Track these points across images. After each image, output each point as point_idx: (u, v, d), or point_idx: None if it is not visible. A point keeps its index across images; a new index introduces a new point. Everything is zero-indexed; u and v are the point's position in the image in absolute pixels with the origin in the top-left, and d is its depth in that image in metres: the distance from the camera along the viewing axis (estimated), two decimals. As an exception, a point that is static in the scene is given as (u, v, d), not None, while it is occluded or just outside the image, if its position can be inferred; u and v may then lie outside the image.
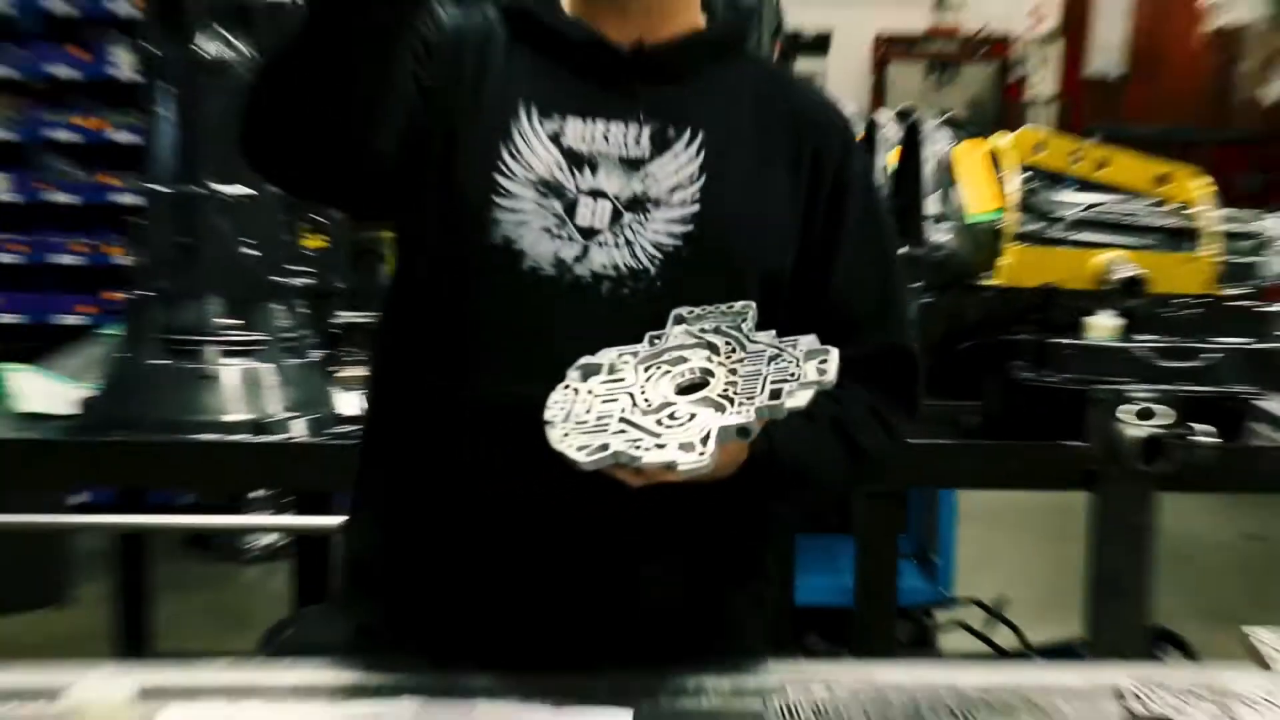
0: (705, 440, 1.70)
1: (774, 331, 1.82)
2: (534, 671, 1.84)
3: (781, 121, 1.98)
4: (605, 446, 1.70)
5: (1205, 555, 6.62)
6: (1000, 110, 13.04)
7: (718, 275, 1.89)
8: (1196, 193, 3.15)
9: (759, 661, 1.99)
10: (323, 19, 1.70)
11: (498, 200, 1.86)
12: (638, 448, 1.71)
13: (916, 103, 4.09)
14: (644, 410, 1.76)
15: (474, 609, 1.92)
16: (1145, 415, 2.91)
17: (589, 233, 1.87)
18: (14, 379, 3.32)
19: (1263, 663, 1.85)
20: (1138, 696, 1.74)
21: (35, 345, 4.11)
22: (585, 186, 1.88)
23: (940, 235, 3.12)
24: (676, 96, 1.93)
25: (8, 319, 6.33)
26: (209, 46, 3.08)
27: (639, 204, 1.88)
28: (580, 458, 1.70)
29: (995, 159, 3.16)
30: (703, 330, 1.84)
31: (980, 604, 4.79)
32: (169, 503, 4.66)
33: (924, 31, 13.75)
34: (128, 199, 6.03)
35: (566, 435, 1.73)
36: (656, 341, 1.84)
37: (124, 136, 6.14)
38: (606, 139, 1.90)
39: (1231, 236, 3.14)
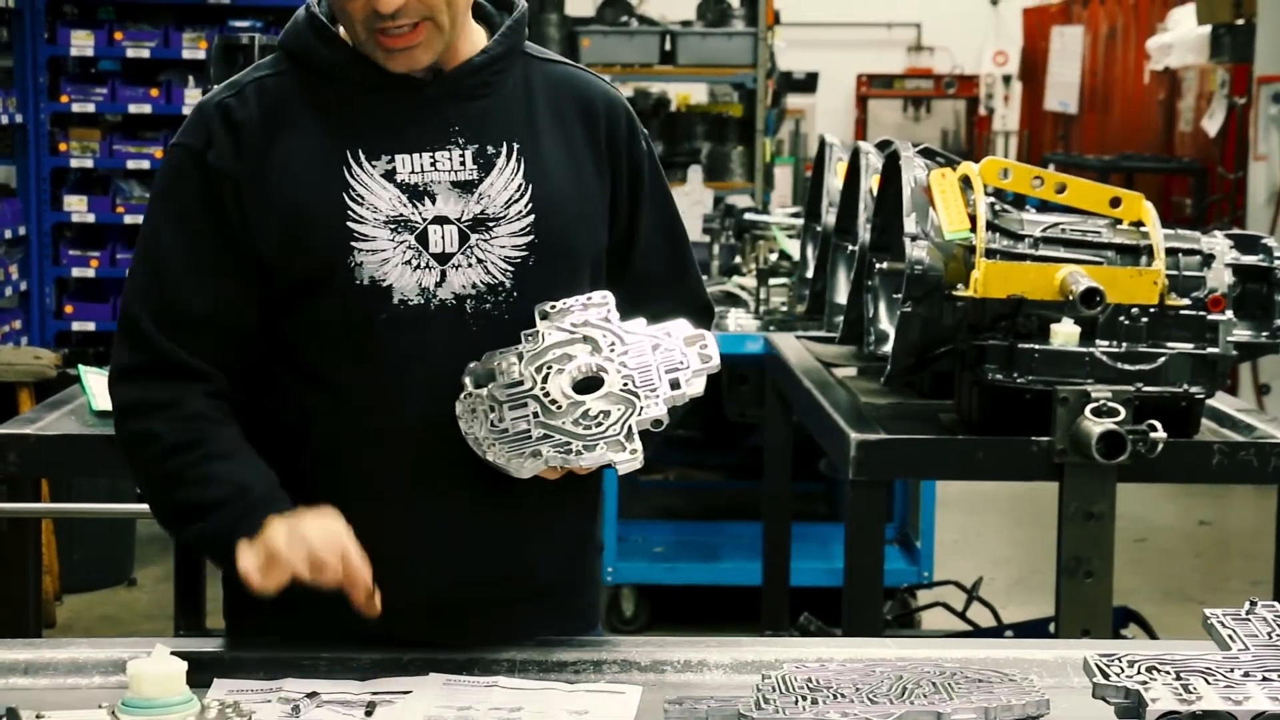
0: (629, 436, 1.81)
1: (643, 320, 1.92)
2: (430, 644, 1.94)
3: (575, 115, 2.05)
4: (538, 454, 1.81)
5: (1162, 540, 6.63)
6: (969, 141, 13.19)
7: (561, 271, 1.98)
8: (1145, 214, 3.16)
9: (596, 614, 2.20)
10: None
11: (356, 245, 1.92)
12: (568, 451, 1.81)
13: (895, 135, 4.14)
14: (555, 412, 1.84)
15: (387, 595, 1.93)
16: (1104, 413, 2.97)
17: (443, 258, 1.94)
18: (91, 380, 3.37)
19: (1222, 642, 1.83)
20: (1103, 670, 1.71)
21: (108, 350, 4.16)
22: (429, 215, 1.94)
23: (918, 252, 3.11)
24: (483, 112, 1.99)
25: (85, 326, 6.43)
26: None
27: (481, 223, 1.95)
28: (514, 468, 1.80)
29: (966, 184, 3.18)
30: (574, 325, 1.90)
31: (959, 585, 4.85)
32: None
33: (901, 71, 13.94)
34: None
35: (494, 446, 1.83)
36: (530, 339, 1.89)
37: None
38: (435, 167, 1.95)
39: (1176, 253, 3.15)
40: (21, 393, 5.36)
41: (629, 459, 1.81)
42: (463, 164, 1.96)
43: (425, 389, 1.93)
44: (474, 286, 1.94)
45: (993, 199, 3.18)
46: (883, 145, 3.61)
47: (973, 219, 3.12)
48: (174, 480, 1.92)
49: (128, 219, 6.44)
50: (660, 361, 1.88)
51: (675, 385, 1.85)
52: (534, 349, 1.89)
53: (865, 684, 1.75)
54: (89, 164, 6.49)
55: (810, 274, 4.26)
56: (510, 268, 1.96)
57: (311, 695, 1.79)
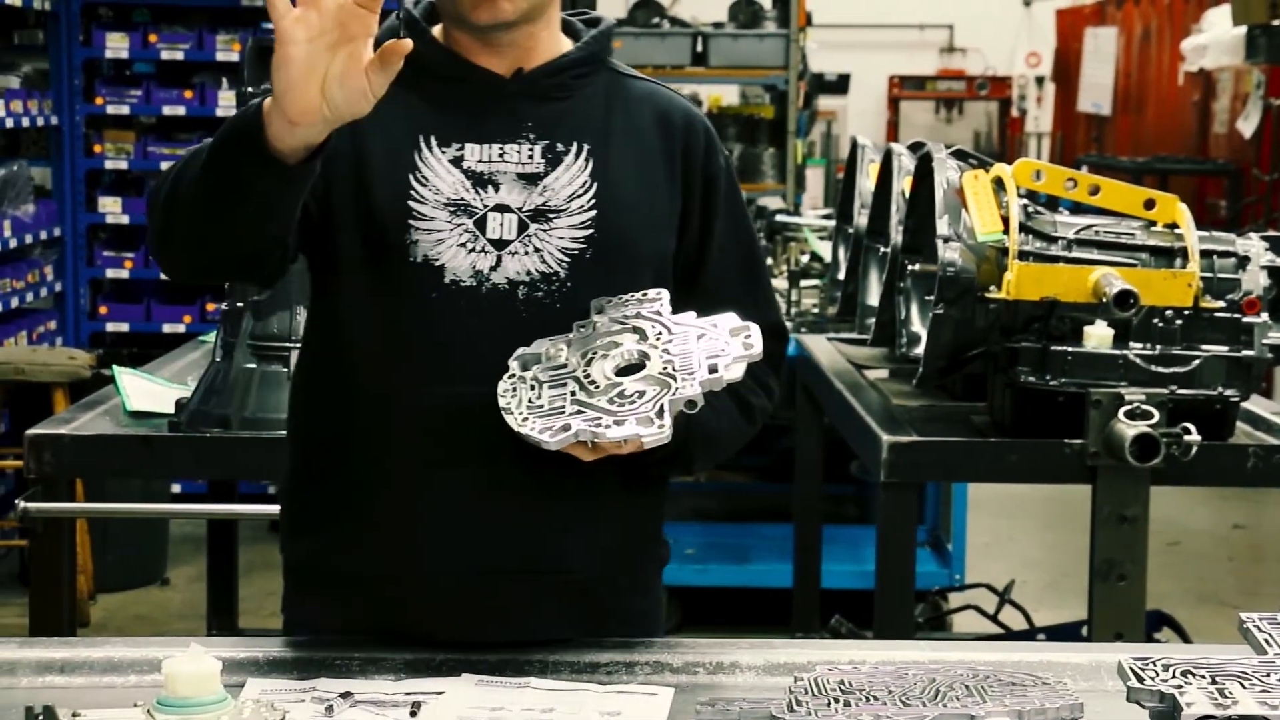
0: (660, 414, 1.81)
1: (693, 313, 1.93)
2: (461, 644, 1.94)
3: (651, 125, 2.07)
4: (567, 427, 1.81)
5: (1196, 543, 6.62)
6: (1002, 142, 13.17)
7: (618, 269, 1.99)
8: (1179, 216, 3.16)
9: (660, 615, 2.16)
10: (211, 188, 1.79)
11: (414, 224, 1.96)
12: (598, 425, 1.82)
13: (927, 136, 4.14)
14: (593, 392, 1.85)
15: (410, 577, 2.01)
16: (1138, 415, 2.96)
17: (500, 244, 1.97)
18: (124, 380, 3.41)
19: (1258, 646, 1.83)
20: (1137, 674, 1.71)
21: (142, 351, 4.20)
22: (490, 203, 1.98)
23: (950, 254, 3.12)
24: (558, 114, 2.02)
25: (119, 327, 6.49)
26: None
27: (541, 214, 1.99)
28: (545, 438, 1.80)
29: (999, 186, 3.19)
30: (625, 317, 1.92)
31: (990, 588, 4.87)
32: (258, 492, 4.68)
33: (933, 73, 13.92)
34: None
35: (526, 420, 1.84)
36: (584, 329, 1.93)
37: None
38: (502, 158, 1.99)
39: (1211, 255, 3.15)
40: (56, 393, 5.40)
41: (656, 434, 1.81)
42: (530, 157, 2.00)
43: (469, 368, 1.95)
44: (528, 274, 1.97)
45: (1025, 201, 3.19)
46: (915, 147, 3.62)
47: (1005, 221, 3.13)
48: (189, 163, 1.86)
49: (162, 221, 6.48)
50: (702, 349, 1.89)
51: (713, 370, 1.86)
52: (583, 336, 1.92)
53: (898, 687, 1.76)
54: (124, 166, 6.53)
55: (842, 276, 4.25)
56: (567, 259, 1.98)
57: (345, 695, 1.80)
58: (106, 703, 1.69)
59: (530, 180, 1.99)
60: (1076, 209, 3.26)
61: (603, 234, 1.99)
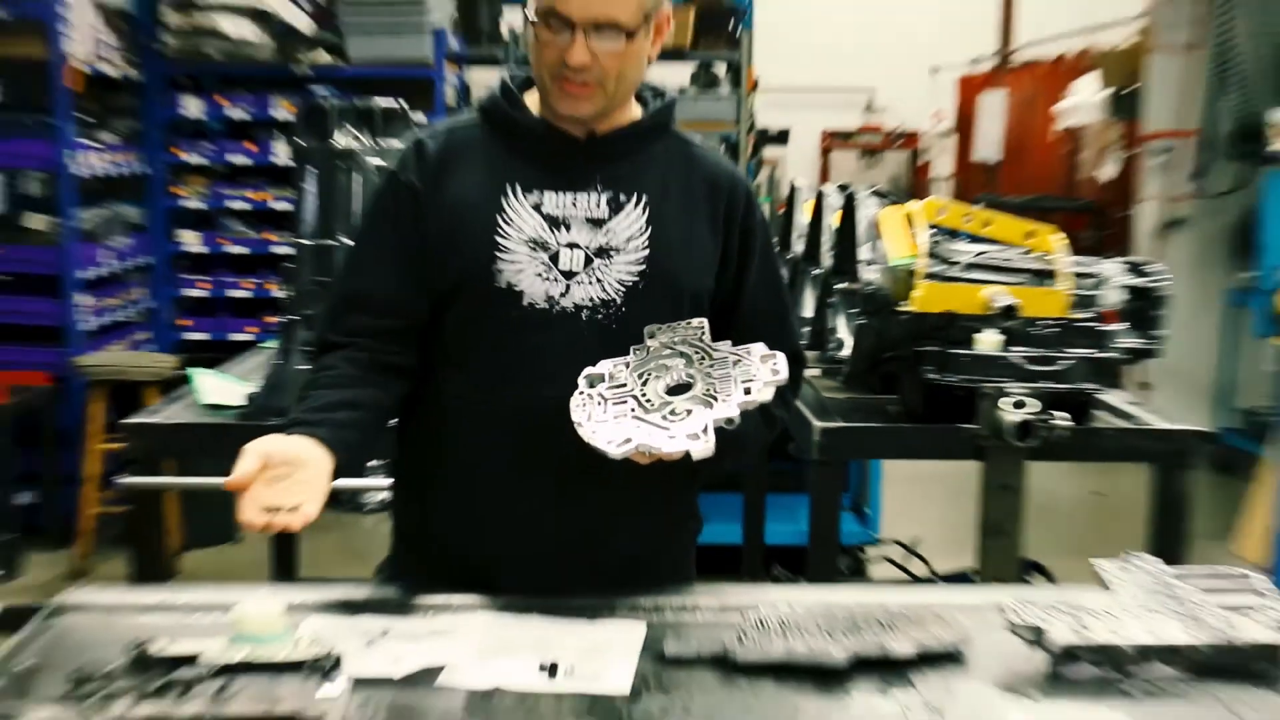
0: (705, 431, 1.81)
1: (730, 341, 1.93)
2: (545, 592, 1.93)
3: (700, 183, 2.07)
4: (629, 440, 1.81)
5: (1062, 506, 6.63)
6: (912, 184, 13.19)
7: (665, 300, 2.00)
8: (1053, 244, 3.19)
9: (692, 580, 2.13)
10: None
11: (499, 256, 1.97)
12: (653, 439, 1.82)
13: (851, 179, 4.14)
14: (648, 409, 1.86)
15: (501, 546, 2.03)
16: (1018, 405, 2.96)
17: (569, 275, 1.98)
18: (200, 379, 3.44)
19: (1105, 585, 1.89)
20: (1015, 611, 1.77)
21: (215, 355, 4.17)
22: (563, 241, 1.98)
23: (870, 275, 3.15)
24: (623, 171, 2.03)
25: (196, 336, 6.49)
26: (340, 140, 3.17)
27: (604, 252, 1.99)
28: (610, 449, 1.81)
29: (909, 220, 3.20)
30: (674, 342, 1.93)
31: (900, 543, 4.89)
32: None
33: (857, 128, 13.94)
34: (282, 249, 6.14)
35: (595, 432, 1.84)
36: (639, 351, 1.93)
37: (281, 205, 6.27)
38: (574, 205, 2.00)
39: (1078, 275, 3.17)
40: (147, 390, 5.41)
41: (702, 448, 1.81)
42: (597, 205, 2.00)
43: (543, 378, 1.95)
44: (591, 300, 1.98)
45: (931, 232, 3.20)
46: (842, 188, 3.63)
47: (916, 248, 3.13)
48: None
49: (229, 249, 6.48)
50: (738, 374, 1.89)
51: (748, 392, 1.86)
52: (639, 359, 1.92)
53: (825, 623, 1.79)
54: (199, 205, 6.51)
55: (811, 314, 4.09)
56: (623, 289, 1.99)
57: (385, 632, 1.82)
58: (194, 637, 1.70)
59: (596, 224, 1.99)
60: (972, 239, 3.28)
61: (653, 270, 2.00)
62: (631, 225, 2.00)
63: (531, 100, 2.05)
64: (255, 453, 1.76)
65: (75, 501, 5.48)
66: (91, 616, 1.91)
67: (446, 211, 1.99)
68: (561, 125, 2.01)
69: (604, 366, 1.92)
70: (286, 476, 1.78)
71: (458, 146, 2.04)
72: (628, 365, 1.92)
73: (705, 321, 1.95)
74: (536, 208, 1.99)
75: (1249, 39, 7.22)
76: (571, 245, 1.98)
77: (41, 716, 1.39)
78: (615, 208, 2.00)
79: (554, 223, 1.99)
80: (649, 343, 1.94)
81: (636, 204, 2.01)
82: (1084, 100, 9.30)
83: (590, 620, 1.89)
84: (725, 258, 2.08)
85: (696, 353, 1.92)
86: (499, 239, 1.97)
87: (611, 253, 1.99)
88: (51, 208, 5.73)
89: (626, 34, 1.91)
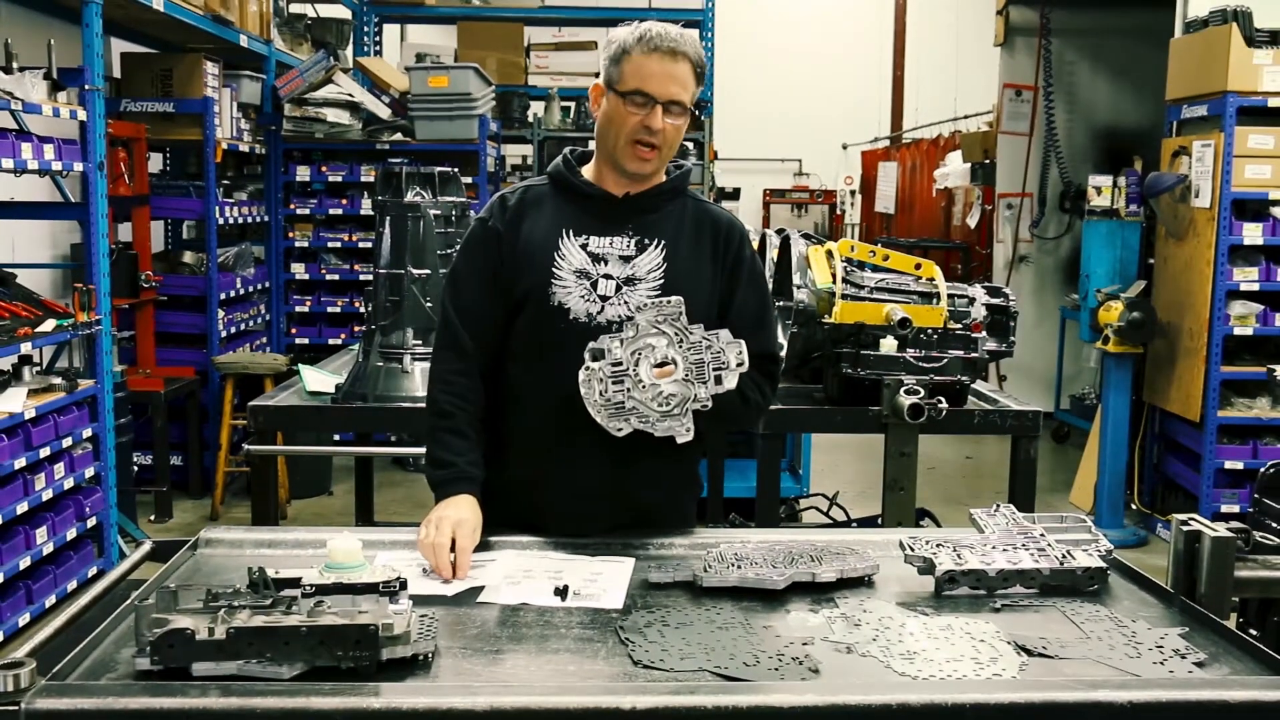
0: (686, 416, 1.78)
1: (702, 325, 1.86)
2: (573, 536, 1.91)
3: (706, 230, 2.04)
4: (628, 420, 1.78)
5: (944, 468, 6.62)
6: (830, 229, 13.21)
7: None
8: (935, 273, 3.18)
9: (694, 529, 2.07)
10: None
11: (554, 282, 1.94)
12: (646, 422, 1.79)
13: (786, 225, 4.10)
14: (641, 391, 1.81)
15: (544, 495, 1.98)
16: (911, 393, 2.97)
17: (604, 298, 1.95)
18: (305, 372, 3.38)
19: (978, 527, 1.89)
20: (911, 546, 1.78)
21: (316, 355, 4.17)
22: (601, 272, 1.95)
23: (802, 296, 3.13)
24: (649, 221, 2.00)
25: (302, 340, 6.45)
26: (409, 196, 3.14)
27: (631, 281, 1.96)
28: (611, 429, 1.78)
29: (829, 255, 3.19)
30: (657, 319, 1.86)
31: (825, 496, 4.83)
32: (384, 439, 4.57)
33: (790, 188, 13.96)
34: (366, 277, 6.13)
35: (600, 412, 1.80)
36: (629, 327, 1.85)
37: (365, 244, 6.24)
38: (611, 245, 1.97)
39: (953, 297, 3.17)
40: (266, 380, 5.38)
41: (685, 434, 1.78)
42: (627, 246, 1.98)
43: (579, 374, 1.89)
44: (619, 317, 1.95)
45: (846, 264, 3.19)
46: (779, 232, 3.57)
47: (834, 276, 3.12)
48: (431, 434, 1.98)
49: (327, 276, 6.43)
50: (710, 360, 1.84)
51: (719, 380, 1.81)
52: (629, 336, 1.85)
53: (769, 556, 1.77)
54: (305, 244, 6.45)
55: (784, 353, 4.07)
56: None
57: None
58: (296, 565, 1.66)
59: (625, 260, 1.97)
60: (875, 269, 3.26)
61: (666, 295, 1.95)
62: (652, 261, 1.98)
63: (585, 170, 2.05)
64: (447, 528, 1.81)
65: (212, 463, 5.47)
66: (221, 549, 1.88)
67: (519, 247, 1.98)
68: (604, 187, 2.00)
69: (602, 341, 1.86)
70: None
71: (530, 200, 2.03)
72: (620, 342, 1.85)
73: (682, 301, 1.89)
74: (583, 247, 1.97)
75: (1065, 127, 7.51)
76: (607, 276, 1.96)
77: (185, 622, 1.37)
78: (640, 248, 1.98)
79: (595, 258, 1.97)
80: (637, 318, 1.87)
81: (657, 246, 1.99)
82: (954, 169, 9.33)
83: (591, 556, 1.86)
84: (722, 280, 2.05)
85: (676, 333, 1.85)
86: (554, 269, 1.96)
87: (636, 282, 1.97)
88: (200, 247, 5.80)
89: (686, 112, 1.93)
